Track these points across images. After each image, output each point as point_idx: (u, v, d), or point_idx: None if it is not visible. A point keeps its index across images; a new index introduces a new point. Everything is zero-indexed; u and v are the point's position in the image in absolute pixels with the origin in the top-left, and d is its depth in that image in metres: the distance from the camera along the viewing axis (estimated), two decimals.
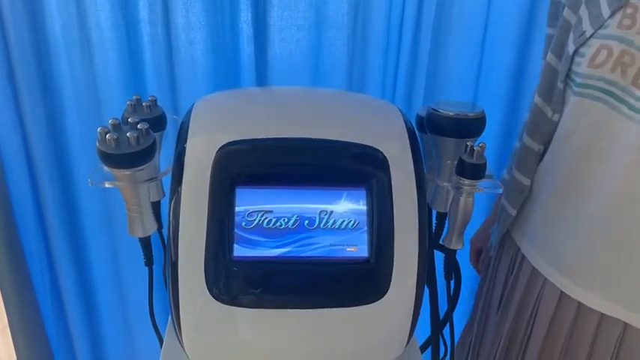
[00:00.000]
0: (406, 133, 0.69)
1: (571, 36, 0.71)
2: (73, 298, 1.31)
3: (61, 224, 1.22)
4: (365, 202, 0.64)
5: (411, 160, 0.66)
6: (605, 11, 0.66)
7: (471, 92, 1.14)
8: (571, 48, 0.70)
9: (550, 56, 0.76)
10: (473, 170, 0.68)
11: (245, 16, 1.06)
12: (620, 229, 0.68)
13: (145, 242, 0.76)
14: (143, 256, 0.79)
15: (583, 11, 0.69)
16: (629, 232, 0.68)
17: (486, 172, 0.70)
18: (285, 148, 0.64)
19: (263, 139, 0.64)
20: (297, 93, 0.87)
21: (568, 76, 0.71)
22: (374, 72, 1.13)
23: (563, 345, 0.78)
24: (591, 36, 0.67)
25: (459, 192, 0.71)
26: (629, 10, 0.65)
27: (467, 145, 0.69)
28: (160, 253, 0.82)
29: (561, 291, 0.75)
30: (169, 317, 0.70)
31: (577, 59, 0.69)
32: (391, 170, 0.64)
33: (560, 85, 0.73)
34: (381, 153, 0.65)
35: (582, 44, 0.68)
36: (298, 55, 1.11)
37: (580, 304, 0.74)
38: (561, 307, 0.76)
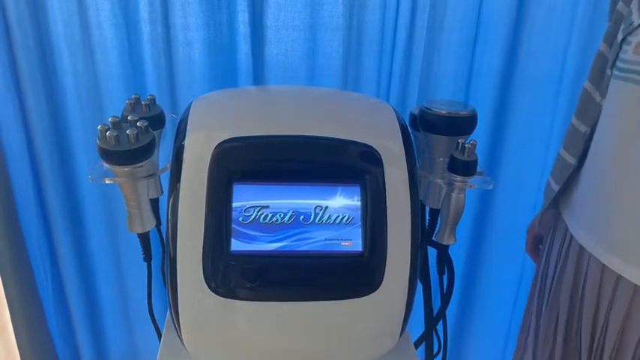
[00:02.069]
0: (399, 131, 0.71)
1: (622, 26, 0.75)
2: (74, 292, 1.33)
3: (63, 220, 1.23)
4: (359, 198, 0.65)
5: (404, 157, 0.68)
6: None
7: (463, 91, 1.16)
8: (620, 36, 0.74)
9: (603, 45, 0.80)
10: (464, 167, 0.70)
11: (242, 17, 1.08)
12: None
13: (144, 238, 0.77)
14: (142, 252, 0.80)
15: (635, 4, 0.74)
16: None
17: (477, 169, 0.72)
18: (281, 145, 0.66)
19: (259, 136, 0.65)
20: (293, 91, 0.89)
21: (614, 62, 0.75)
22: (369, 72, 1.14)
23: (604, 319, 0.79)
24: (639, 26, 0.70)
25: (451, 188, 0.73)
26: None
27: (458, 143, 0.70)
28: (159, 250, 0.83)
29: (603, 265, 0.77)
30: (168, 311, 0.71)
31: (624, 47, 0.72)
32: (385, 167, 0.66)
33: (608, 71, 0.76)
34: (375, 150, 0.66)
35: (630, 33, 0.71)
36: (294, 55, 1.12)
37: (619, 277, 0.75)
38: (604, 282, 0.78)
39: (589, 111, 0.80)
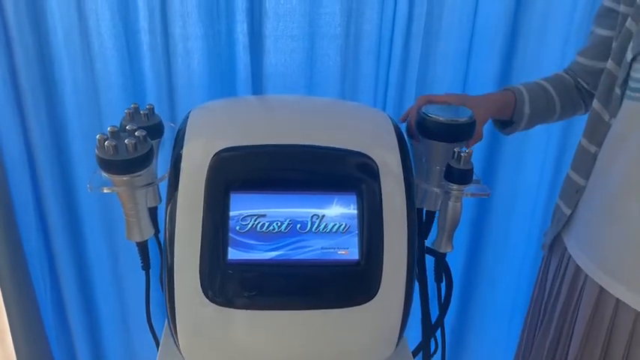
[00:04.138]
0: (396, 139, 0.71)
1: (631, 44, 0.74)
2: (73, 300, 1.33)
3: (62, 228, 1.24)
4: (356, 207, 0.66)
5: (401, 165, 0.69)
6: None
7: None
8: (629, 55, 0.73)
9: (611, 63, 0.79)
10: (460, 175, 0.70)
11: (241, 27, 1.09)
12: None
13: (142, 246, 0.77)
14: (140, 260, 0.80)
15: None
16: None
17: (474, 178, 0.72)
18: (278, 154, 0.66)
19: (257, 145, 0.66)
20: (291, 101, 0.90)
21: (625, 81, 0.74)
22: (366, 80, 1.15)
23: (602, 346, 0.79)
24: None
25: (448, 197, 0.74)
26: None
27: (454, 151, 0.71)
28: (157, 258, 0.83)
29: (600, 288, 0.77)
30: (166, 320, 0.72)
31: (635, 65, 0.72)
32: (381, 176, 0.66)
33: (617, 90, 0.75)
34: (371, 159, 0.67)
35: None
36: (293, 64, 1.13)
37: (618, 301, 0.75)
38: (600, 305, 0.78)
39: (598, 131, 0.79)
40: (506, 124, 0.91)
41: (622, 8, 0.78)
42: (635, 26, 0.74)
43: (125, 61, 1.10)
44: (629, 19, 0.76)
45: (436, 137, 0.75)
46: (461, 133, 0.75)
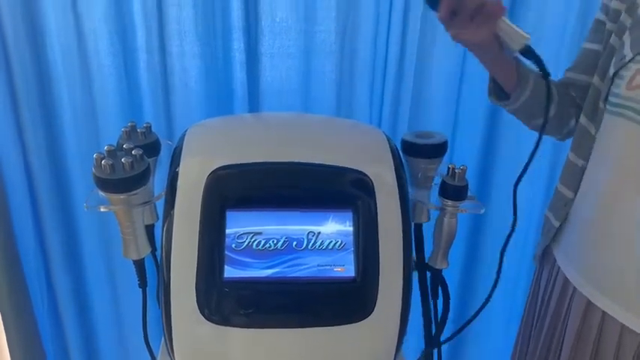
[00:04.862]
0: (391, 156, 0.72)
1: (614, 60, 0.75)
2: (70, 317, 1.33)
3: (59, 245, 1.24)
4: (351, 224, 0.66)
5: (396, 182, 0.69)
6: None
7: (453, 115, 1.18)
8: (612, 70, 0.74)
9: (596, 78, 0.80)
10: (455, 192, 0.71)
11: (237, 45, 1.10)
12: None
13: (139, 264, 0.77)
14: (137, 278, 0.80)
15: (626, 37, 0.74)
16: None
17: (468, 194, 0.73)
18: (274, 172, 0.67)
19: (252, 163, 0.66)
20: (286, 119, 0.90)
21: (607, 96, 0.75)
22: (361, 97, 1.16)
23: (590, 357, 0.79)
24: (630, 60, 0.71)
25: (443, 213, 0.74)
26: None
27: (449, 168, 0.71)
28: (155, 275, 0.83)
29: (588, 300, 0.77)
30: (162, 338, 0.71)
31: (617, 81, 0.73)
32: (376, 192, 0.67)
33: (601, 105, 0.76)
34: (367, 176, 0.67)
35: (622, 67, 0.72)
36: (289, 81, 1.14)
37: (605, 313, 0.75)
38: (588, 317, 0.78)
39: (585, 145, 0.80)
40: (500, 96, 0.88)
41: (608, 25, 0.80)
42: (618, 42, 0.76)
43: (123, 80, 1.11)
44: (612, 35, 0.78)
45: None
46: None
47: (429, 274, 0.82)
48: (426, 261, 0.80)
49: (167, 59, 1.10)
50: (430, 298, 0.85)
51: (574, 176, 0.82)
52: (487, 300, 0.76)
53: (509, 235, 0.75)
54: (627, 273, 0.71)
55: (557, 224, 0.85)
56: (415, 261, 0.81)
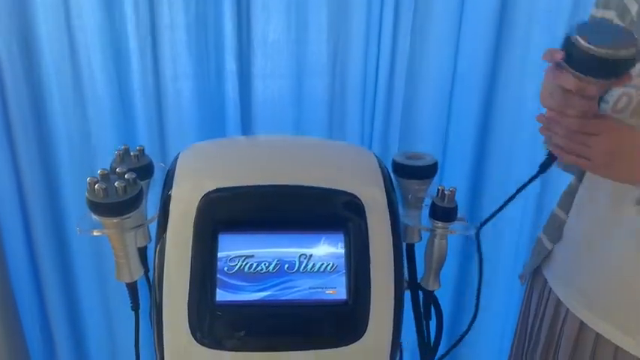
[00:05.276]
0: (381, 178, 0.72)
1: None
2: (63, 340, 1.32)
3: (52, 268, 1.24)
4: (343, 246, 0.67)
5: (386, 204, 0.70)
6: None
7: (442, 136, 1.20)
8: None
9: None
10: (444, 213, 0.72)
11: (230, 66, 1.11)
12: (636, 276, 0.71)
13: (132, 287, 0.77)
14: (130, 301, 0.80)
15: None
16: None
17: (458, 215, 0.73)
18: (266, 195, 0.67)
19: (244, 186, 0.67)
20: (278, 142, 0.91)
21: None
22: (353, 117, 1.18)
23: None
24: None
25: (433, 234, 0.75)
26: None
27: (438, 189, 0.72)
28: (147, 297, 0.83)
29: (581, 321, 0.78)
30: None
31: (602, 105, 0.73)
32: (367, 214, 0.67)
33: None
34: (358, 198, 0.68)
35: (607, 91, 0.72)
36: (281, 101, 1.16)
37: (598, 335, 0.76)
38: (581, 339, 0.78)
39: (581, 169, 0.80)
40: None
41: None
42: None
43: (116, 102, 1.12)
44: None
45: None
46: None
47: (421, 293, 0.83)
48: (418, 281, 0.81)
49: (161, 81, 1.12)
50: (423, 318, 0.85)
51: (571, 199, 0.83)
52: (468, 328, 0.79)
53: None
54: (621, 294, 0.72)
55: (550, 246, 0.86)
56: (407, 281, 0.82)
